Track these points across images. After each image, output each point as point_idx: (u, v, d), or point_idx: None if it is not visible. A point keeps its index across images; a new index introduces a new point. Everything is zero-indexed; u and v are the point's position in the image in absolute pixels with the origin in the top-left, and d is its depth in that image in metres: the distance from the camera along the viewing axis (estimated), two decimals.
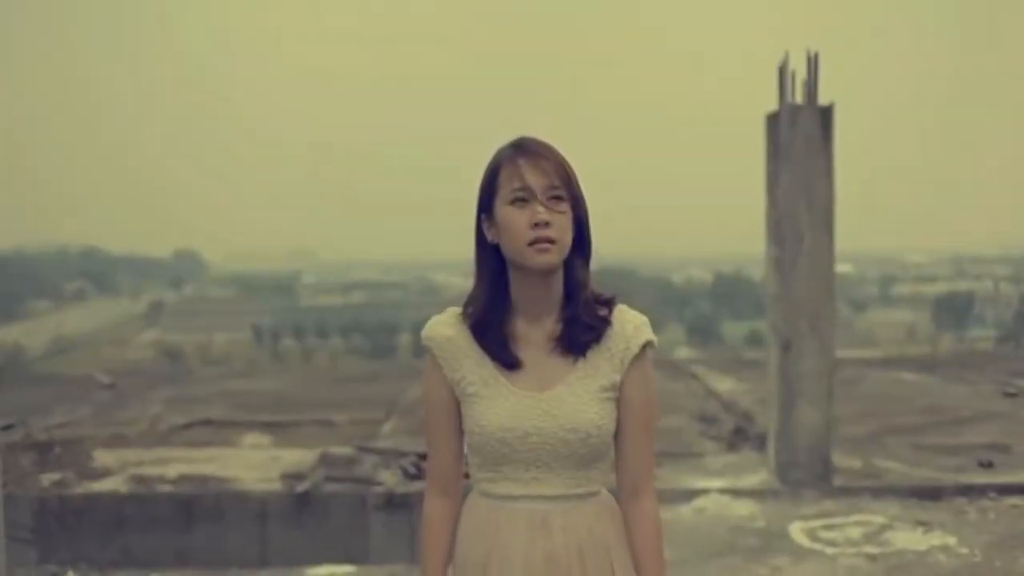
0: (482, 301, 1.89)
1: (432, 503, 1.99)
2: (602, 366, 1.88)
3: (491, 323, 1.88)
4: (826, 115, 6.64)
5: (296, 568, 5.87)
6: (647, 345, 1.91)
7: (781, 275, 6.76)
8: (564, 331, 1.88)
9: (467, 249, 1.92)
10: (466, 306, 1.92)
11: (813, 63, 6.66)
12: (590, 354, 1.89)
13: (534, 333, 1.89)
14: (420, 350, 2.00)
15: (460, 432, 1.96)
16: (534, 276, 1.85)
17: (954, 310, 78.88)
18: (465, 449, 1.99)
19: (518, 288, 1.88)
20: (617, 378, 1.89)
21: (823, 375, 6.70)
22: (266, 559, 6.29)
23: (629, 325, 1.91)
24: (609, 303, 1.92)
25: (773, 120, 6.84)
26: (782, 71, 6.71)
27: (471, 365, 1.89)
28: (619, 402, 1.90)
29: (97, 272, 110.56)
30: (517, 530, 1.89)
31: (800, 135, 6.59)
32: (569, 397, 1.86)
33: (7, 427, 8.53)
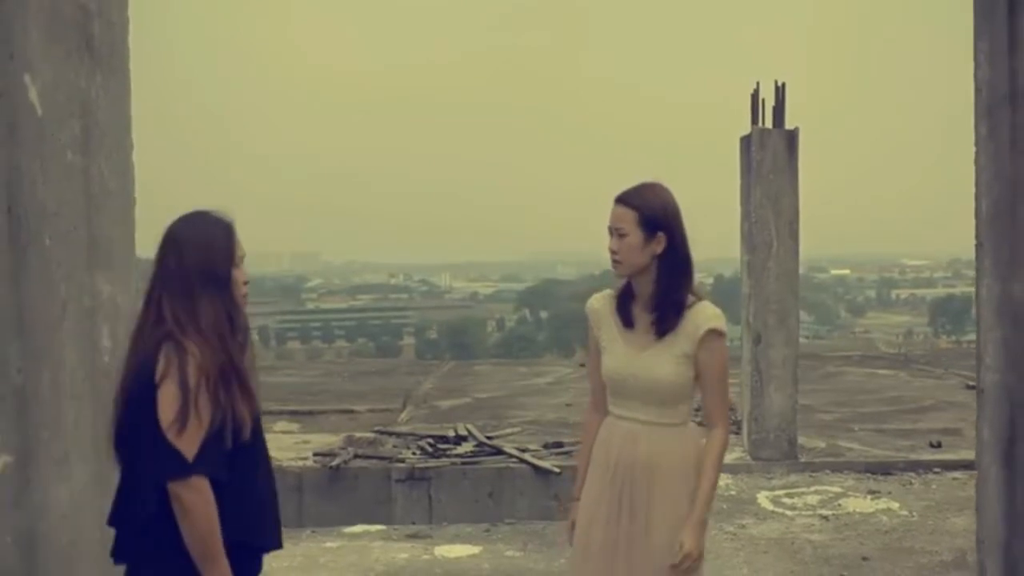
0: (621, 290, 3.04)
1: (589, 414, 3.21)
2: (679, 341, 2.95)
3: (623, 303, 3.02)
4: (791, 137, 7.59)
5: (334, 527, 6.82)
6: (711, 331, 2.93)
7: (753, 277, 7.72)
8: (655, 318, 2.96)
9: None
10: (617, 289, 3.05)
11: (780, 92, 7.61)
12: (672, 333, 2.95)
13: (642, 315, 3.00)
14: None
15: None
16: (631, 278, 2.99)
17: (951, 313, 79.69)
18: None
19: (632, 285, 3.01)
20: (689, 350, 2.94)
21: (789, 364, 7.66)
22: (303, 524, 7.20)
23: (701, 316, 2.96)
24: (691, 302, 2.96)
25: (745, 141, 7.79)
26: (754, 98, 7.66)
27: (606, 328, 3.05)
28: (696, 365, 2.95)
29: None
30: (618, 439, 3.02)
31: (768, 155, 7.55)
32: (654, 358, 2.95)
33: None
